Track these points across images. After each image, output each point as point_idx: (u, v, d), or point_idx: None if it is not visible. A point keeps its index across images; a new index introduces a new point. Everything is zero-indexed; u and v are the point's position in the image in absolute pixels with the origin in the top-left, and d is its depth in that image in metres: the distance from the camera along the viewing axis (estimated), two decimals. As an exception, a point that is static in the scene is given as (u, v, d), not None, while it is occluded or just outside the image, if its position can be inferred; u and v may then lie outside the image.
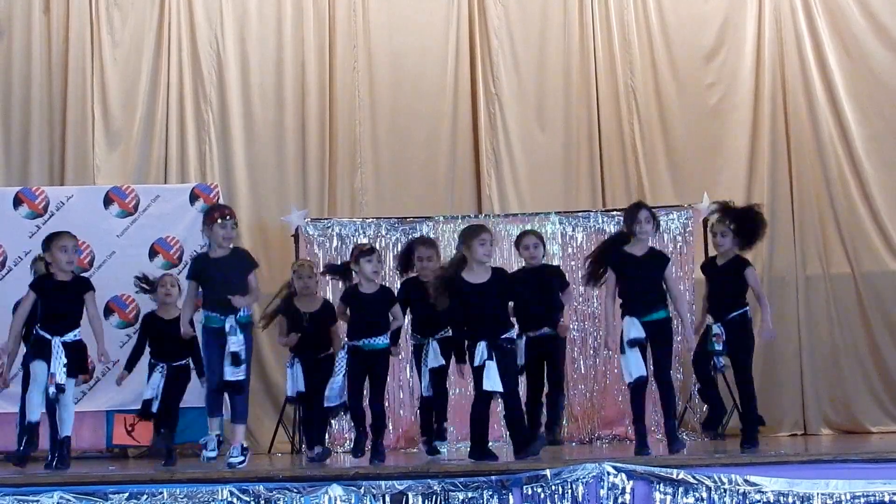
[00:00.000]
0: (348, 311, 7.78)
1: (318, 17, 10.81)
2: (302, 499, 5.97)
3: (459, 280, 7.33)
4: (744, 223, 7.94)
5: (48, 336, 7.40)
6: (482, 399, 7.38)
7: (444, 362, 7.94)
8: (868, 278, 10.28)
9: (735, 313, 7.84)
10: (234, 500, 5.97)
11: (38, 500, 5.94)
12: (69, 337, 7.47)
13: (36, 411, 7.33)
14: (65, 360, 7.33)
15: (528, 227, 9.45)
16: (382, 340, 7.60)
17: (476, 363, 7.26)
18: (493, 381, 7.21)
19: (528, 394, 8.40)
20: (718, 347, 7.85)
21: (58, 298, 7.49)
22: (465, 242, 7.36)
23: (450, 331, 7.82)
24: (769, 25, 10.67)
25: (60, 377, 7.30)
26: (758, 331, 8.03)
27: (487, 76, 10.83)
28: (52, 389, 7.27)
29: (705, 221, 9.50)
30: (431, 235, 9.58)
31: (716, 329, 7.85)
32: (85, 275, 9.06)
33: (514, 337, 7.54)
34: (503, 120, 10.76)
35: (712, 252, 8.51)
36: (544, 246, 8.59)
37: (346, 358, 7.64)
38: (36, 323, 7.53)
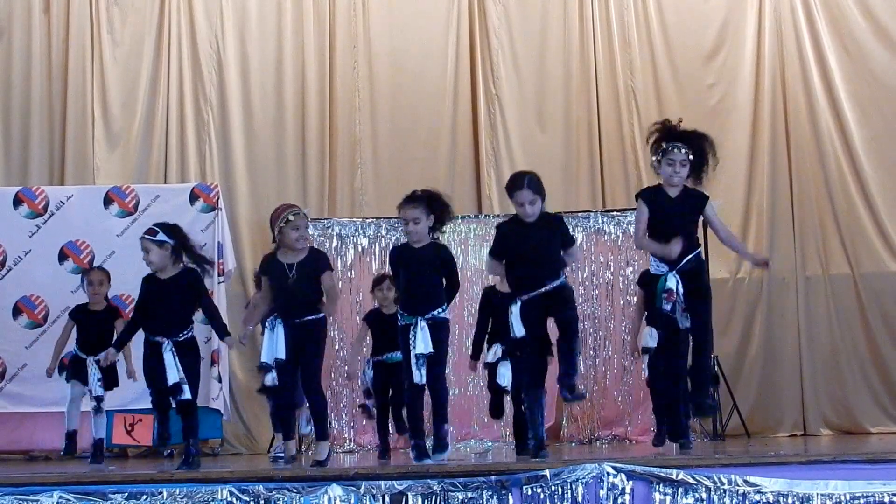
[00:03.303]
0: (369, 336, 8.36)
1: (319, 17, 10.81)
2: (301, 499, 5.96)
3: (492, 292, 7.88)
4: (703, 153, 6.84)
5: (83, 356, 8.32)
6: (494, 392, 7.96)
7: (433, 350, 6.93)
8: (868, 279, 10.28)
9: (692, 255, 6.74)
10: (234, 500, 5.96)
11: (37, 500, 5.93)
12: (101, 356, 8.01)
13: (74, 421, 8.44)
14: (99, 376, 8.21)
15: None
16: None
17: (490, 360, 7.82)
18: (504, 378, 7.66)
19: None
20: (668, 307, 6.64)
21: (93, 326, 8.29)
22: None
23: (440, 311, 7.01)
24: (769, 26, 10.68)
25: (98, 391, 8.22)
26: (754, 259, 7.15)
27: (487, 76, 10.84)
28: (92, 404, 8.30)
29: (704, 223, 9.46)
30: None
31: (670, 281, 6.65)
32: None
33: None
34: (503, 120, 10.77)
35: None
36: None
37: (371, 373, 8.16)
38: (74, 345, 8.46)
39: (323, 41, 10.81)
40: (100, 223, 9.66)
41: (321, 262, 7.33)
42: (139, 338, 7.47)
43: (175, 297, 7.20)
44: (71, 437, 8.36)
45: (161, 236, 7.20)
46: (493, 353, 7.84)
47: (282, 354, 7.11)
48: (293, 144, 10.71)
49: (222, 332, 7.38)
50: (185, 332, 7.19)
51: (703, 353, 6.92)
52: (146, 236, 7.23)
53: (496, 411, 8.08)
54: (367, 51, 10.82)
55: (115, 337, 8.03)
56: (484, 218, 10.32)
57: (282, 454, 8.22)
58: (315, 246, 9.68)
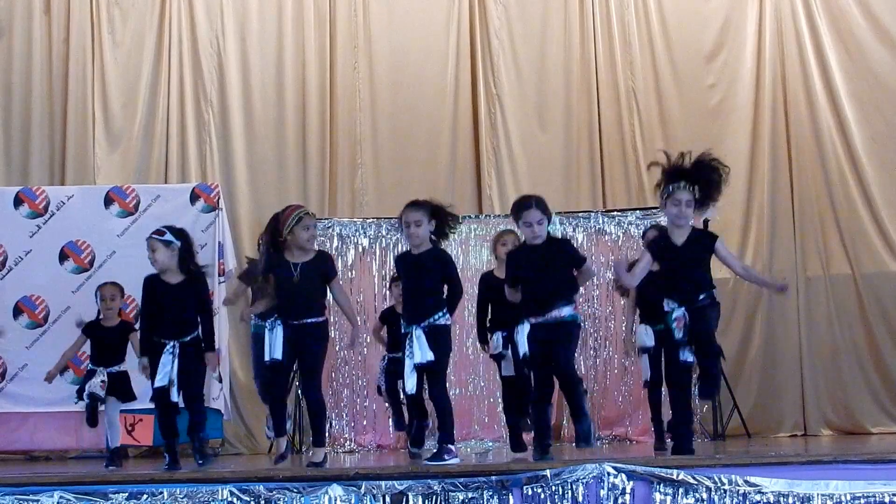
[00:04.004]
0: (384, 332, 8.36)
1: (319, 17, 10.81)
2: (302, 499, 5.96)
3: (492, 278, 7.66)
4: (709, 184, 6.78)
5: (96, 368, 8.23)
6: (505, 384, 7.72)
7: (432, 358, 6.94)
8: (868, 279, 10.27)
9: (704, 295, 6.74)
10: (235, 500, 5.96)
11: (38, 500, 5.94)
12: (113, 369, 8.20)
13: (117, 438, 8.38)
14: (103, 378, 8.14)
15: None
16: None
17: (492, 352, 7.63)
18: (510, 367, 7.49)
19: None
20: (680, 336, 6.66)
21: (107, 342, 8.19)
22: (493, 244, 7.89)
23: (440, 317, 7.05)
24: (769, 26, 10.68)
25: (97, 390, 8.14)
26: (775, 286, 7.09)
27: (488, 76, 10.84)
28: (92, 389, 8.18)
29: (706, 222, 9.45)
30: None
31: (678, 312, 6.66)
32: (85, 274, 9.22)
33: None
34: (503, 120, 10.77)
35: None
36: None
37: (385, 369, 8.28)
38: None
39: (323, 41, 10.81)
40: (100, 223, 9.66)
41: (328, 265, 7.35)
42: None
43: (183, 301, 7.29)
44: (113, 451, 8.30)
45: (169, 237, 7.31)
46: (495, 343, 7.69)
47: (278, 355, 7.06)
48: (293, 144, 10.71)
49: (210, 345, 7.39)
50: (192, 333, 7.28)
51: (709, 381, 6.89)
52: (154, 236, 7.34)
53: (514, 427, 7.88)
54: (367, 51, 10.82)
55: (127, 350, 8.20)
56: (484, 218, 10.32)
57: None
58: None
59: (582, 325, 7.15)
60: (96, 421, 8.20)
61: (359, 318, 9.74)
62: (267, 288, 7.36)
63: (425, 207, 7.11)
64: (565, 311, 6.82)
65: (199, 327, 7.32)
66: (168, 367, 7.14)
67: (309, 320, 7.14)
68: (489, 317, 7.91)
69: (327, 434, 9.74)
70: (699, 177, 6.76)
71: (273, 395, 7.48)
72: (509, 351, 7.55)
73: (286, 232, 7.19)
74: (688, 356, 6.67)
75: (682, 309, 6.66)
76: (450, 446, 6.92)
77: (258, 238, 8.76)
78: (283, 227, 7.21)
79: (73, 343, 8.44)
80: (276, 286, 7.22)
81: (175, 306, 7.25)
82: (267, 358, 7.16)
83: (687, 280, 6.72)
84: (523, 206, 6.93)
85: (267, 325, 7.22)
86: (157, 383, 7.16)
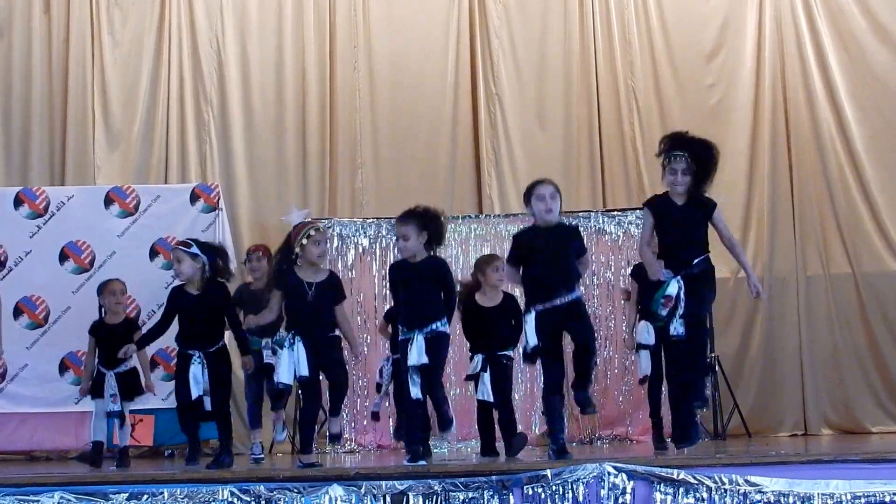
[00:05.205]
0: (390, 328, 8.25)
1: (319, 16, 10.82)
2: (302, 499, 5.97)
3: (472, 302, 7.81)
4: (706, 161, 6.76)
5: (104, 370, 8.14)
6: (480, 406, 7.93)
7: (426, 360, 7.00)
8: (868, 278, 10.28)
9: (699, 259, 6.69)
10: (235, 500, 5.97)
11: (38, 500, 5.94)
12: (121, 368, 8.10)
13: (100, 434, 8.21)
14: (113, 392, 8.05)
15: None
16: None
17: (470, 372, 7.80)
18: (485, 391, 7.69)
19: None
20: (664, 313, 6.61)
21: (113, 340, 8.06)
22: (480, 269, 7.86)
23: (440, 325, 7.09)
24: (769, 26, 10.68)
25: (111, 407, 8.07)
26: (751, 286, 6.84)
27: (487, 76, 10.84)
28: (115, 421, 8.18)
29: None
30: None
31: (671, 288, 6.61)
32: (85, 275, 9.21)
33: (511, 354, 7.77)
34: (503, 120, 10.77)
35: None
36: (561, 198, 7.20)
37: (390, 370, 8.13)
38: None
39: (323, 41, 10.82)
40: (100, 223, 9.66)
41: (339, 288, 7.38)
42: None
43: (207, 311, 7.39)
44: (96, 448, 8.23)
45: (195, 250, 7.41)
46: (475, 364, 7.81)
47: (304, 371, 7.07)
48: (293, 144, 10.72)
49: (245, 348, 7.59)
50: (217, 343, 7.38)
51: (697, 352, 6.81)
52: (180, 247, 7.45)
53: (486, 433, 8.01)
54: (367, 50, 10.82)
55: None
56: (484, 218, 10.32)
57: (261, 455, 8.44)
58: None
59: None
60: (101, 463, 8.08)
61: (359, 318, 9.80)
62: (271, 301, 7.35)
63: (414, 220, 7.13)
64: (570, 297, 6.91)
65: (224, 337, 7.44)
66: (200, 378, 7.23)
67: (328, 335, 7.22)
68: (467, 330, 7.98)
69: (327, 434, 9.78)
70: (696, 149, 6.75)
71: (306, 414, 7.38)
72: (487, 373, 7.69)
73: (297, 248, 7.21)
74: (679, 329, 6.61)
75: (677, 280, 6.61)
76: (446, 407, 7.13)
77: (244, 261, 8.87)
78: (294, 242, 7.24)
79: (88, 350, 8.38)
80: (290, 305, 7.23)
81: (200, 317, 7.34)
82: (289, 377, 7.12)
83: (683, 239, 6.72)
84: (536, 182, 7.10)
85: (285, 342, 7.21)
86: (193, 395, 7.21)
